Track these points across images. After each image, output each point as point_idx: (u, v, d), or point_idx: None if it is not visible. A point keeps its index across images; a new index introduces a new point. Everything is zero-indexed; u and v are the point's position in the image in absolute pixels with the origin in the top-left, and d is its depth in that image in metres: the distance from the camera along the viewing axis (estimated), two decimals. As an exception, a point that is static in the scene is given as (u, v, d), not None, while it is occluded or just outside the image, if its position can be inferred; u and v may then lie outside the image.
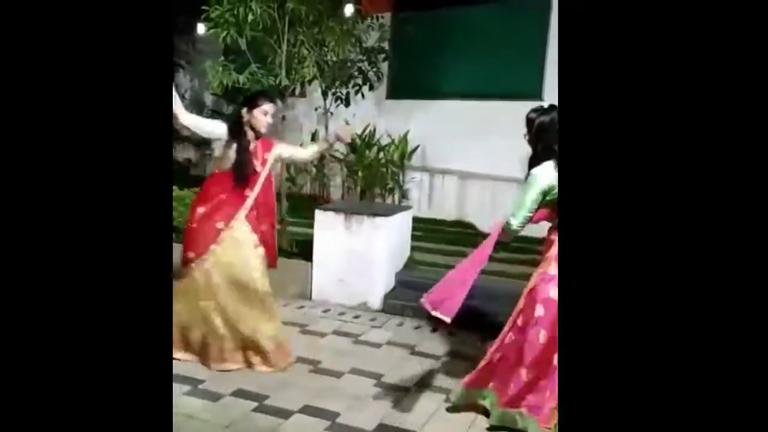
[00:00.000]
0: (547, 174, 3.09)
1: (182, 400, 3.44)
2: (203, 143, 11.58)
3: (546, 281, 3.15)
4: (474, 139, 7.67)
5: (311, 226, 5.60)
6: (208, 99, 11.42)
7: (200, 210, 3.82)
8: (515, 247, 5.68)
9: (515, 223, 3.15)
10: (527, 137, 3.29)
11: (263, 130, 3.86)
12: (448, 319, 3.14)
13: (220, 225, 3.80)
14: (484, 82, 8.21)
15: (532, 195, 3.11)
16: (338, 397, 3.60)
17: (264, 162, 3.90)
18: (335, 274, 5.44)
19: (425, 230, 7.18)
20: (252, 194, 3.87)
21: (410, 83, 8.88)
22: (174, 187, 6.23)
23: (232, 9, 5.92)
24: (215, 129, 3.81)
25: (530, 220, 3.18)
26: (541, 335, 3.12)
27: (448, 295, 3.17)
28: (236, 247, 3.82)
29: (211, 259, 3.78)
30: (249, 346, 3.86)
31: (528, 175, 3.19)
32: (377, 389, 3.76)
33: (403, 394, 3.71)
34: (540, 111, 3.23)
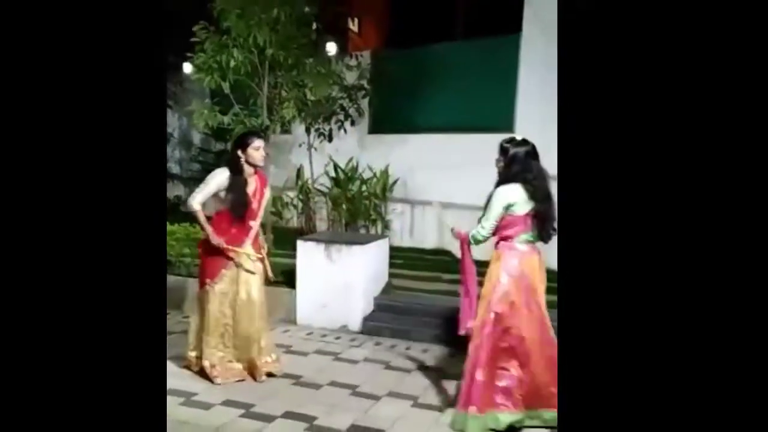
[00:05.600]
0: (511, 192, 3.75)
1: (178, 409, 4.04)
2: (192, 181, 12.27)
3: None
4: (452, 170, 8.29)
5: (295, 256, 6.23)
6: (196, 137, 12.10)
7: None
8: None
9: (483, 232, 3.82)
10: (500, 163, 3.88)
11: (260, 163, 4.52)
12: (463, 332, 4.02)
13: (231, 254, 4.48)
14: (459, 116, 8.92)
15: (497, 208, 3.76)
16: (317, 404, 4.20)
17: (262, 195, 4.58)
18: (317, 300, 6.07)
19: (406, 258, 7.82)
20: (255, 224, 4.57)
21: (390, 118, 9.61)
22: (166, 222, 6.88)
23: (215, 56, 6.65)
24: (220, 183, 4.42)
25: (495, 229, 3.83)
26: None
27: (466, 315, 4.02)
28: (242, 269, 4.54)
29: (224, 281, 4.50)
30: (252, 357, 4.58)
31: (493, 192, 3.82)
32: (352, 398, 4.36)
33: (375, 401, 4.30)
34: (514, 142, 3.84)
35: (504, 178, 3.82)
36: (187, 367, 4.74)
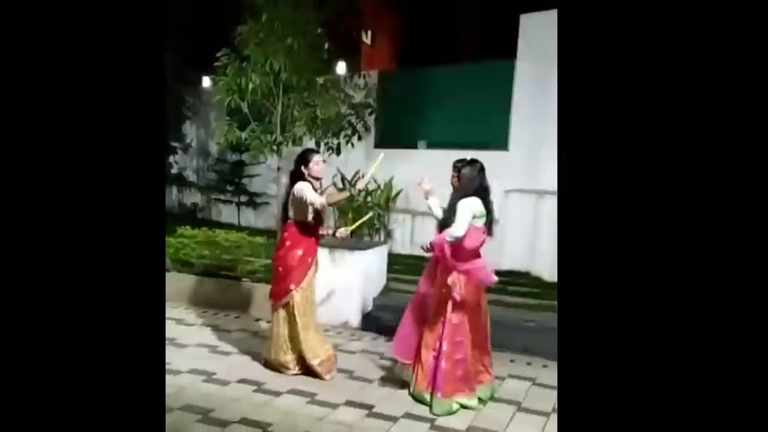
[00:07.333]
0: (474, 203, 4.44)
1: (200, 386, 4.84)
2: (208, 189, 13.12)
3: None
4: (450, 184, 9.02)
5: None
6: (213, 147, 12.95)
7: (299, 252, 5.09)
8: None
9: (457, 233, 4.35)
10: (454, 179, 4.66)
11: (322, 175, 5.16)
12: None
13: (310, 259, 5.14)
14: (458, 133, 9.74)
15: (467, 214, 4.38)
16: (317, 384, 4.98)
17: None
18: (322, 298, 6.84)
19: (405, 265, 8.60)
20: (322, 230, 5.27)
21: (395, 134, 10.41)
22: (187, 227, 7.73)
23: (236, 79, 7.51)
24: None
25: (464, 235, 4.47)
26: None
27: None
28: (314, 274, 5.24)
29: (305, 286, 5.11)
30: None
31: (456, 204, 4.44)
32: (349, 380, 5.14)
33: (368, 383, 5.08)
34: (464, 162, 4.59)
35: (460, 195, 4.47)
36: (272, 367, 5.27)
